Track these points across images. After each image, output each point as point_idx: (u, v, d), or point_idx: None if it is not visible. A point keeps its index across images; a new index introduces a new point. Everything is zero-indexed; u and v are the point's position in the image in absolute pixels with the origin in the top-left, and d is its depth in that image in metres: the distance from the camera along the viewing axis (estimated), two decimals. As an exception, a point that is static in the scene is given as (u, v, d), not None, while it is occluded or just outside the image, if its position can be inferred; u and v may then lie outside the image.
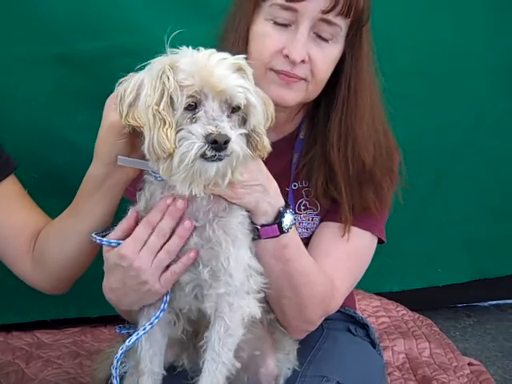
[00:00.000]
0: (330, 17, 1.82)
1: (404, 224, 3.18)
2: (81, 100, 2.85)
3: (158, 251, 1.62)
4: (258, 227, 1.68)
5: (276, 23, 1.84)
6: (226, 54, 1.55)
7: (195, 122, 1.47)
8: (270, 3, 1.84)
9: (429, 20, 3.11)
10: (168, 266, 1.63)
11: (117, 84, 1.56)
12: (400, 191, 2.05)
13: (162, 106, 1.47)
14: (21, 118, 2.78)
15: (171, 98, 1.48)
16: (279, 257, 1.72)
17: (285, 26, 1.84)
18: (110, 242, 1.65)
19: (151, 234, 1.61)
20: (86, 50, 2.78)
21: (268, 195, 1.68)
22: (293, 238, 1.75)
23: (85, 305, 3.09)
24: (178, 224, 1.61)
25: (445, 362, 2.77)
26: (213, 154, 1.45)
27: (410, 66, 3.05)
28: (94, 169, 1.79)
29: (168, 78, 1.48)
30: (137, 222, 1.64)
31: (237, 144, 1.47)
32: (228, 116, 1.50)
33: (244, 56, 1.58)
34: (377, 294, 3.41)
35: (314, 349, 2.00)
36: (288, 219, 1.70)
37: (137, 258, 1.61)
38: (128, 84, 1.53)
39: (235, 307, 1.61)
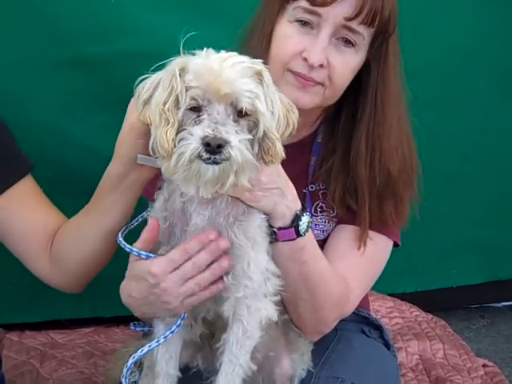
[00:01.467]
0: (353, 25, 1.82)
1: (417, 225, 3.15)
2: (93, 103, 2.87)
3: (188, 279, 1.62)
4: (276, 230, 1.68)
5: (299, 22, 1.84)
6: (244, 58, 1.54)
7: (198, 123, 1.47)
8: (294, 6, 1.84)
9: (439, 22, 3.09)
10: None
11: (136, 82, 1.57)
12: (417, 206, 2.05)
13: (167, 106, 1.48)
14: (34, 120, 2.80)
15: (178, 98, 1.49)
16: (296, 259, 1.72)
17: (307, 27, 1.84)
18: (140, 254, 1.64)
19: (186, 260, 1.61)
20: (98, 53, 2.79)
21: (286, 198, 1.68)
22: (309, 241, 1.75)
23: (99, 305, 3.11)
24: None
25: (459, 364, 2.77)
26: (208, 156, 1.45)
27: (421, 67, 3.03)
28: (114, 167, 1.81)
29: (176, 79, 1.49)
30: (158, 230, 1.64)
31: (237, 149, 1.45)
32: (235, 120, 1.49)
33: (261, 60, 1.57)
34: (390, 294, 3.40)
35: (328, 350, 2.00)
36: (305, 222, 1.70)
37: (166, 279, 1.61)
38: (146, 82, 1.55)
39: (253, 310, 1.62)
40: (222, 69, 1.48)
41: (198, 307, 1.68)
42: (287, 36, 1.87)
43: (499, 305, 3.82)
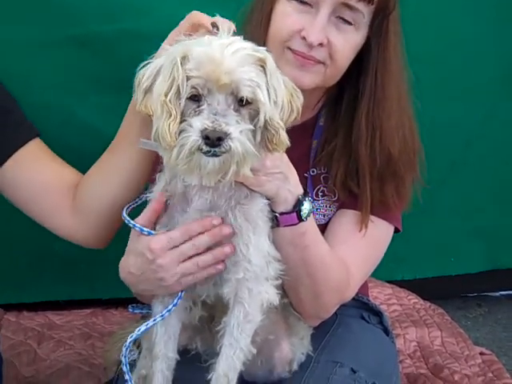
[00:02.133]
0: (352, 2, 1.80)
1: (417, 213, 3.13)
2: (95, 82, 2.85)
3: (187, 259, 1.62)
4: (277, 215, 1.67)
5: (298, 1, 1.82)
6: (246, 44, 1.51)
7: (198, 114, 1.45)
8: None
9: (443, 10, 3.07)
10: None
11: (138, 68, 1.54)
12: (419, 189, 2.04)
13: (169, 97, 1.46)
14: (37, 99, 2.77)
15: (179, 88, 1.47)
16: (297, 244, 1.72)
17: (306, 6, 1.82)
18: (142, 230, 1.64)
19: (186, 241, 1.61)
20: (100, 32, 2.78)
21: (288, 183, 1.67)
22: (311, 226, 1.74)
23: (97, 286, 3.11)
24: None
25: (456, 351, 2.77)
26: (208, 149, 1.43)
27: (425, 54, 3.02)
28: (129, 116, 1.84)
29: (178, 69, 1.46)
30: (163, 207, 1.64)
31: (237, 141, 1.43)
32: (236, 110, 1.47)
33: (265, 48, 1.55)
34: (388, 281, 3.40)
35: (327, 335, 2.00)
36: (307, 207, 1.69)
37: (163, 256, 1.61)
38: (146, 69, 1.52)
39: (254, 293, 1.61)
40: (222, 57, 1.45)
41: (199, 289, 1.68)
42: (286, 14, 1.85)
43: (496, 294, 3.82)
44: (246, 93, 1.46)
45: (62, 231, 1.99)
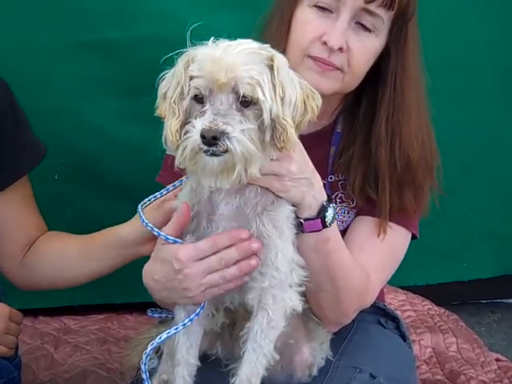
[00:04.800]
0: (372, 7, 1.82)
1: (430, 218, 3.14)
2: (110, 87, 2.88)
3: (213, 271, 1.61)
4: (302, 221, 1.68)
5: (318, 7, 1.84)
6: (253, 44, 1.52)
7: (201, 115, 1.46)
8: None
9: (457, 14, 3.08)
10: None
11: (159, 79, 1.56)
12: (436, 195, 2.04)
13: (173, 98, 1.48)
14: (50, 104, 2.81)
15: (183, 89, 1.49)
16: (320, 250, 1.72)
17: (326, 11, 1.84)
18: (168, 238, 1.64)
19: (214, 253, 1.60)
20: (116, 37, 2.80)
21: (313, 189, 1.67)
22: (334, 232, 1.75)
23: (111, 291, 3.11)
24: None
25: (472, 357, 2.76)
26: (206, 148, 1.43)
27: (440, 59, 3.03)
28: (129, 230, 1.95)
29: (180, 70, 1.49)
30: (189, 216, 1.63)
31: (235, 140, 1.42)
32: (239, 109, 1.47)
33: (269, 45, 1.54)
34: (401, 287, 3.39)
35: (345, 340, 2.00)
36: (331, 213, 1.70)
37: (190, 266, 1.60)
38: (165, 77, 1.54)
39: (279, 299, 1.61)
40: (223, 57, 1.46)
41: (223, 296, 1.68)
42: (307, 21, 1.86)
43: (509, 300, 3.80)
44: (245, 91, 1.45)
45: (6, 274, 2.12)
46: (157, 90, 1.57)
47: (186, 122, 1.49)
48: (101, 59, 2.82)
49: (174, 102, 1.48)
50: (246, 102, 1.46)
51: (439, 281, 3.54)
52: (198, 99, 1.48)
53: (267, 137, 1.49)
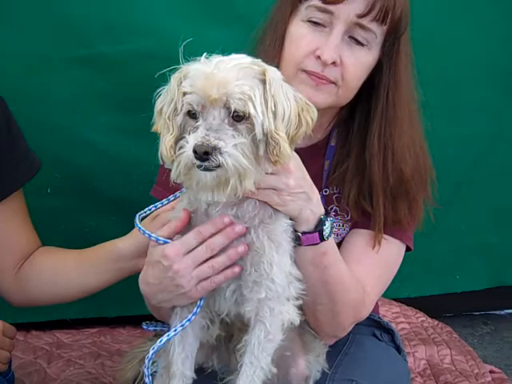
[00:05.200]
0: (365, 22, 1.84)
1: (423, 231, 3.16)
2: (103, 102, 2.87)
3: (202, 262, 1.62)
4: (299, 234, 1.68)
5: (311, 22, 1.86)
6: (245, 59, 1.53)
7: (195, 131, 1.47)
8: (307, 5, 1.86)
9: (450, 29, 3.10)
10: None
11: (155, 95, 1.57)
12: (431, 208, 2.06)
13: (167, 114, 1.50)
14: (44, 118, 2.80)
15: (176, 105, 1.50)
16: (317, 264, 1.73)
17: (320, 26, 1.86)
18: (158, 239, 1.65)
19: (200, 243, 1.61)
20: (109, 52, 2.80)
21: (311, 203, 1.68)
22: (331, 246, 1.76)
23: (104, 305, 3.09)
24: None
25: (466, 369, 2.77)
26: (199, 164, 1.45)
27: (432, 74, 3.05)
28: (126, 243, 1.96)
29: (173, 86, 1.51)
30: (187, 223, 1.65)
31: (227, 155, 1.43)
32: (232, 124, 1.47)
33: (260, 59, 1.55)
34: (394, 299, 3.40)
35: (341, 353, 2.01)
36: (328, 227, 1.71)
37: (178, 261, 1.61)
38: (162, 93, 1.56)
39: (276, 312, 1.62)
40: (215, 72, 1.47)
41: (219, 307, 1.68)
42: (300, 35, 1.88)
43: (502, 312, 3.82)
44: (236, 106, 1.46)
45: None
46: (149, 104, 1.58)
47: (180, 138, 1.51)
48: (93, 74, 2.82)
49: (169, 117, 1.50)
50: (239, 117, 1.48)
51: (432, 293, 3.55)
52: (192, 115, 1.50)
53: (261, 151, 1.50)
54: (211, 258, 1.62)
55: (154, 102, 1.56)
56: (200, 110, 1.48)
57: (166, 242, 1.64)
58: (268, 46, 1.94)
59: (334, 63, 1.85)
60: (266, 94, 1.49)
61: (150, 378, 1.69)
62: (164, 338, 1.66)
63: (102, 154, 2.91)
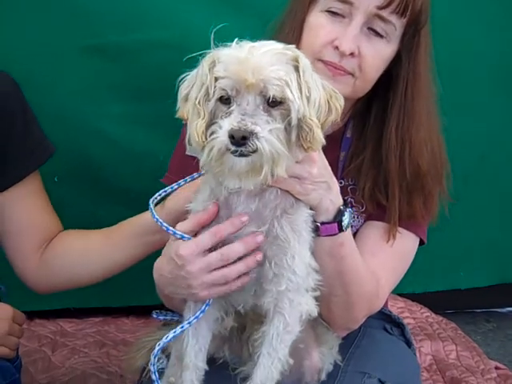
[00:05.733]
0: (385, 14, 1.83)
1: (429, 226, 3.16)
2: (114, 91, 2.87)
3: (216, 269, 1.60)
4: (319, 224, 1.67)
5: (330, 12, 1.85)
6: (277, 45, 1.51)
7: (228, 116, 1.45)
8: None
9: (458, 26, 3.09)
10: None
11: (178, 81, 1.55)
12: (445, 203, 2.05)
13: (198, 99, 1.47)
14: (56, 108, 2.79)
15: (208, 90, 1.47)
16: (334, 254, 1.72)
17: (339, 16, 1.85)
18: (175, 233, 1.63)
19: (215, 242, 1.58)
20: (121, 42, 2.79)
21: (331, 193, 1.67)
22: (348, 237, 1.75)
23: (107, 294, 3.08)
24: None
25: (472, 365, 2.78)
26: (234, 148, 1.42)
27: (439, 70, 3.04)
28: (148, 216, 1.85)
29: (204, 71, 1.48)
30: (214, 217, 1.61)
31: (264, 140, 1.42)
32: (266, 110, 1.46)
33: (294, 46, 1.54)
34: (399, 294, 3.39)
35: (352, 346, 2.00)
36: (347, 218, 1.70)
37: (192, 262, 1.59)
38: (186, 79, 1.54)
39: (295, 304, 1.60)
40: (249, 57, 1.45)
41: (236, 299, 1.66)
42: (319, 25, 1.87)
43: (504, 310, 3.82)
44: (274, 92, 1.44)
45: (23, 275, 2.10)
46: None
47: (210, 124, 1.47)
48: (105, 63, 2.81)
49: (199, 102, 1.47)
50: (274, 103, 1.46)
51: (436, 289, 3.55)
52: (224, 100, 1.47)
53: (293, 137, 1.48)
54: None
55: (178, 89, 1.53)
56: (234, 94, 1.45)
57: (183, 237, 1.61)
58: (286, 34, 1.93)
59: (351, 54, 1.83)
60: (300, 80, 1.48)
61: (157, 374, 1.67)
62: (170, 335, 1.64)
63: (111, 143, 2.91)
